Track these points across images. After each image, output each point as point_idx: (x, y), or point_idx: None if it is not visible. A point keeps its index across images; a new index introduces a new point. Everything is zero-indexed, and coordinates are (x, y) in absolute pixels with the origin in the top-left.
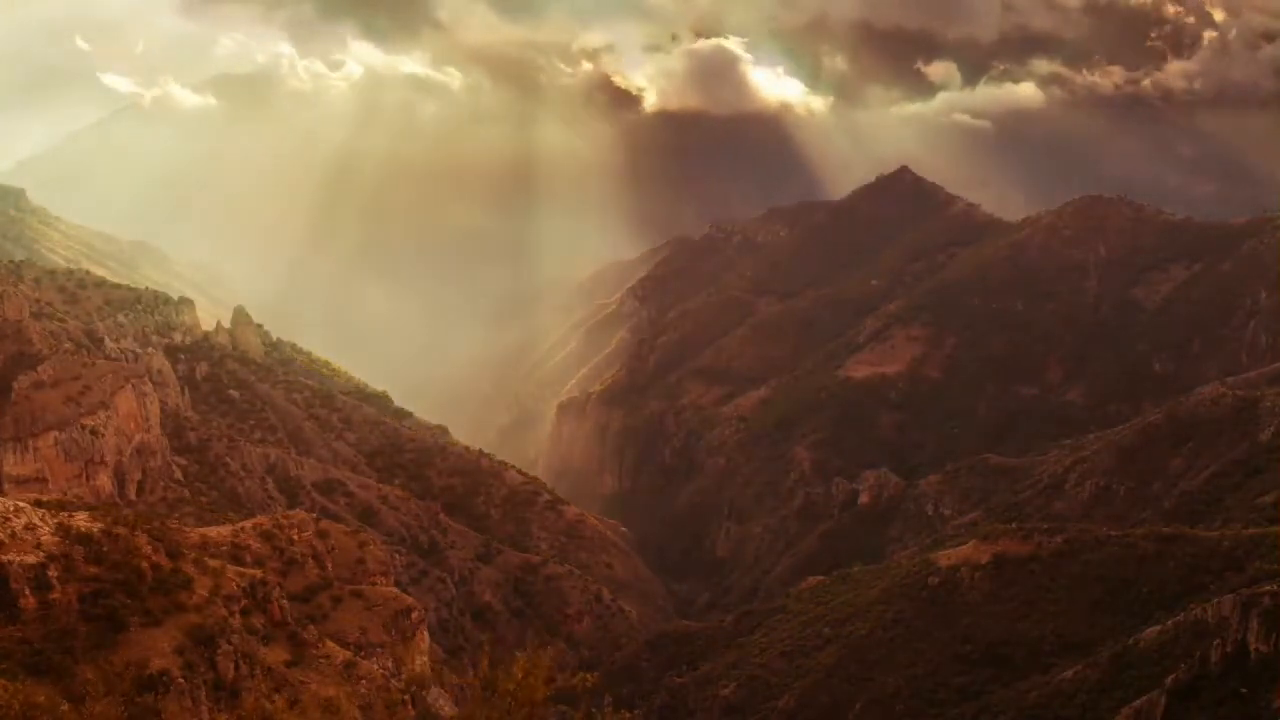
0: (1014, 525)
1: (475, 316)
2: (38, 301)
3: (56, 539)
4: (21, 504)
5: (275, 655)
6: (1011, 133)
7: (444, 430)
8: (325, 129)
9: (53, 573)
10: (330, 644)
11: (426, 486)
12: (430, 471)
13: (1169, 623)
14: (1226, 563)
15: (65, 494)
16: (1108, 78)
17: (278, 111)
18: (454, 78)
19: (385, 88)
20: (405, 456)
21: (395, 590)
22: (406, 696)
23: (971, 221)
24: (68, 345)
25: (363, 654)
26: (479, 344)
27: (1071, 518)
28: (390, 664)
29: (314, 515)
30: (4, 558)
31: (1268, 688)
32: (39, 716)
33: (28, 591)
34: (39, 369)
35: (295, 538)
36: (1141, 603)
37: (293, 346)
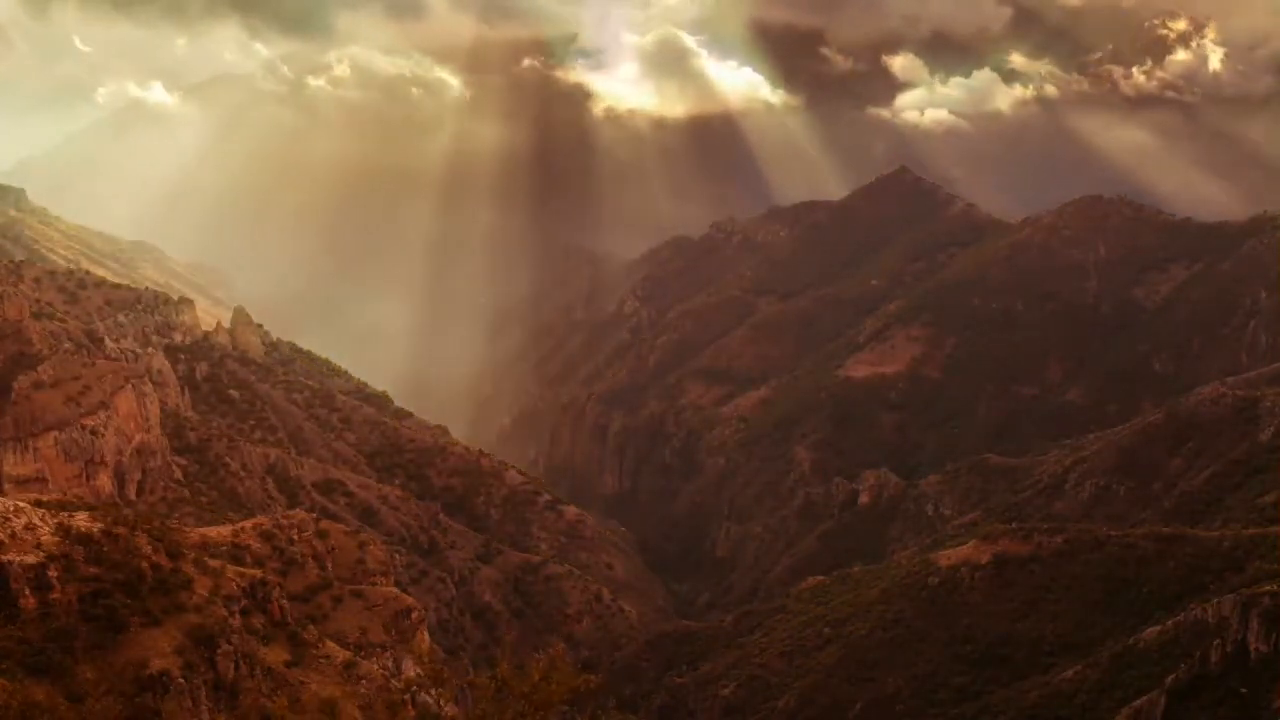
0: (1014, 525)
1: (475, 316)
2: (38, 301)
3: (56, 539)
4: (21, 504)
5: (275, 655)
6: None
7: (444, 430)
8: (316, 130)
9: (53, 573)
10: (330, 644)
11: (426, 486)
12: (430, 471)
13: (1169, 623)
14: (1226, 563)
15: (65, 494)
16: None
17: (266, 112)
18: (445, 77)
19: (376, 88)
20: (405, 456)
21: (395, 590)
22: (407, 696)
23: (971, 221)
24: (68, 345)
25: (363, 654)
26: (479, 344)
27: (1071, 518)
28: (390, 664)
29: (314, 515)
30: (4, 558)
31: (1268, 688)
32: (39, 716)
33: (28, 591)
34: (39, 369)
35: (295, 538)
36: (1141, 603)
37: (293, 346)
